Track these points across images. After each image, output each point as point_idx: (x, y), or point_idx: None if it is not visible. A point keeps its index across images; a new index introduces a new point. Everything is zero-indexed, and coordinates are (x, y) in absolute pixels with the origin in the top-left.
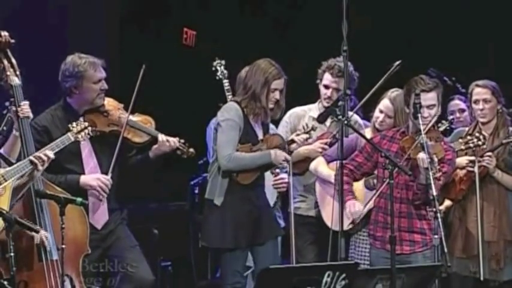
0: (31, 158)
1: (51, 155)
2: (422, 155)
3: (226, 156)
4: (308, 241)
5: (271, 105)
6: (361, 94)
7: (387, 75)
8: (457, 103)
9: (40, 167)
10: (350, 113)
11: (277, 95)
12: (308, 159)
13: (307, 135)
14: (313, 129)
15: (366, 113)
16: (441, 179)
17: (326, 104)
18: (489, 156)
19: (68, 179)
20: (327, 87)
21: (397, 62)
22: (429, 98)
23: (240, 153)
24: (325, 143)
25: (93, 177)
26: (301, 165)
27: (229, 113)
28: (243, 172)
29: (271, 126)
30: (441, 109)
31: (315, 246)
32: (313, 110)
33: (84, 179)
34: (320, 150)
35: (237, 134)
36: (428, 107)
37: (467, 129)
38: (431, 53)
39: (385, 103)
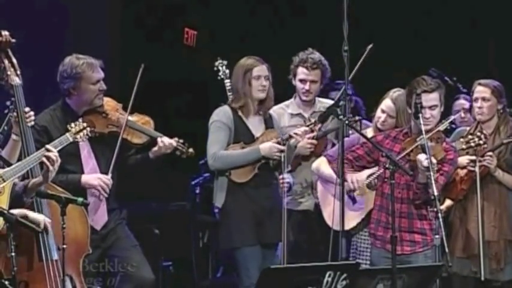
0: (43, 153)
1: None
2: (421, 156)
3: (211, 155)
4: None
5: (262, 94)
6: (366, 94)
7: (362, 60)
8: (462, 103)
9: (51, 168)
10: (324, 100)
11: (263, 81)
12: (298, 156)
13: (306, 128)
14: (316, 123)
15: (368, 113)
16: (440, 180)
17: (305, 98)
18: (490, 156)
19: (69, 178)
20: (303, 81)
21: (370, 46)
22: (431, 99)
23: (226, 151)
24: (312, 138)
25: (94, 176)
26: (292, 163)
27: (218, 115)
28: (234, 170)
29: (274, 115)
30: (444, 109)
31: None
32: (291, 106)
33: (85, 178)
34: (309, 146)
35: (224, 135)
36: (430, 107)
37: (468, 128)
38: (432, 52)
39: (387, 103)
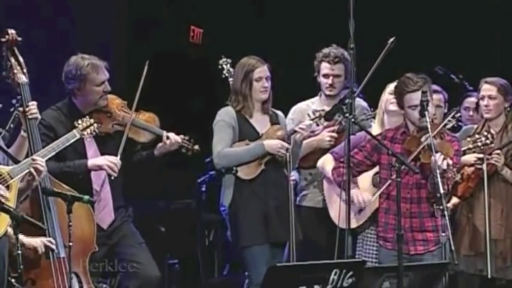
0: (33, 157)
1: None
2: (436, 158)
3: (216, 154)
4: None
5: (264, 96)
6: (371, 93)
7: (384, 53)
8: (473, 100)
9: (37, 177)
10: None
11: (265, 83)
12: (318, 150)
13: (311, 122)
14: (321, 116)
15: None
16: (456, 176)
17: (329, 93)
18: (497, 154)
19: (75, 163)
20: (326, 76)
21: (391, 39)
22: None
23: (231, 148)
24: (333, 131)
25: (101, 157)
26: (311, 157)
27: (220, 115)
28: (241, 167)
29: (279, 113)
30: (450, 106)
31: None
32: (316, 103)
33: (92, 160)
34: (329, 138)
35: (228, 133)
36: None
37: (475, 126)
38: (438, 50)
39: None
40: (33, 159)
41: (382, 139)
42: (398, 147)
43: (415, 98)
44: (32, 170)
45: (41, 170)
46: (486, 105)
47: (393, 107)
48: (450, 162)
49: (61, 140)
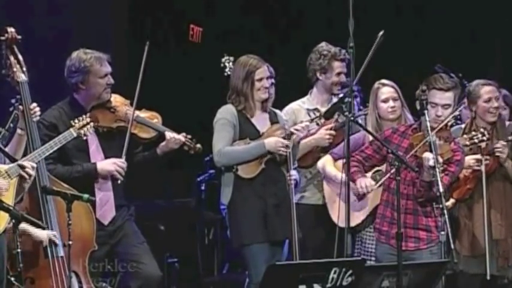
0: (20, 163)
1: (34, 165)
2: (427, 154)
3: (217, 152)
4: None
5: (264, 95)
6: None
7: (374, 47)
8: None
9: (28, 180)
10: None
11: (265, 83)
12: (316, 148)
13: (307, 123)
14: (321, 115)
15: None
16: (445, 180)
17: (337, 92)
18: (503, 145)
19: (84, 168)
20: (340, 74)
21: (380, 33)
22: (446, 98)
23: (231, 146)
24: (330, 128)
25: (109, 162)
26: (310, 156)
27: (221, 113)
28: (242, 166)
29: (278, 112)
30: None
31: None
32: (307, 102)
33: (101, 165)
34: (327, 136)
35: (229, 131)
36: (443, 106)
37: (463, 126)
38: (437, 49)
39: (384, 90)
40: (21, 166)
41: (392, 133)
42: (407, 143)
43: (439, 96)
44: (24, 174)
45: (32, 174)
46: (496, 108)
47: (393, 116)
48: (440, 160)
49: (58, 138)
